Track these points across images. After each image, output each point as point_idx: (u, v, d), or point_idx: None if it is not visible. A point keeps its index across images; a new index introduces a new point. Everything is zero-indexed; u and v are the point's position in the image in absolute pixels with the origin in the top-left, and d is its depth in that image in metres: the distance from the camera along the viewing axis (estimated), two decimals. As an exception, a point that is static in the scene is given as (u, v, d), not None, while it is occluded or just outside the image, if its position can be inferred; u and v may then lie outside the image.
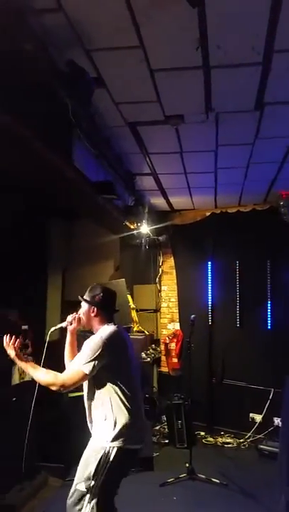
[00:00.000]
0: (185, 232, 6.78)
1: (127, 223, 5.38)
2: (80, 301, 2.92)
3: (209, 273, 6.62)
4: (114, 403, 2.61)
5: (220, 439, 5.91)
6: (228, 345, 6.31)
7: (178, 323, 6.93)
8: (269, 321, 6.14)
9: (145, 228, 5.90)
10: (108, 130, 3.77)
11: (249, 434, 5.89)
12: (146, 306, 7.09)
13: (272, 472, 4.21)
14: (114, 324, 2.83)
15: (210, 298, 6.57)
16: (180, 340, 6.67)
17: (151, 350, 6.62)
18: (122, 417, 2.59)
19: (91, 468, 2.54)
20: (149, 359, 6.37)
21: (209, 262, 6.61)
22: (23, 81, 2.41)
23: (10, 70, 2.24)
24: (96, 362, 2.55)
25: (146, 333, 6.67)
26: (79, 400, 2.85)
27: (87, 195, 3.93)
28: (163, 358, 6.90)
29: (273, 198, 5.79)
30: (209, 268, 6.62)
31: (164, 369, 6.89)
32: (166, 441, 5.81)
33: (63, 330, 3.04)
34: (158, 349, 6.91)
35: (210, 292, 6.59)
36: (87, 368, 2.54)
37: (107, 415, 2.61)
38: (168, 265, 7.11)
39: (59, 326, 2.99)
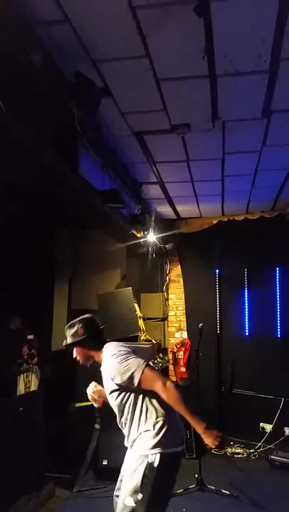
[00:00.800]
0: (192, 241, 6.75)
1: (134, 232, 5.37)
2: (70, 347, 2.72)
3: (217, 281, 6.58)
4: (148, 406, 2.49)
5: (229, 450, 5.82)
6: (237, 353, 6.25)
7: (186, 332, 6.87)
8: (278, 330, 6.08)
9: (152, 237, 5.88)
10: (114, 139, 3.78)
11: (259, 444, 5.80)
12: (154, 315, 7.05)
13: (283, 483, 4.13)
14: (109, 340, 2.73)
15: (218, 306, 6.53)
16: (188, 349, 6.62)
17: (159, 360, 6.56)
18: (159, 420, 2.46)
19: (137, 480, 2.38)
20: (157, 368, 6.31)
21: (217, 270, 6.57)
22: (31, 92, 2.43)
23: (18, 80, 2.26)
24: (132, 355, 2.49)
25: (154, 341, 6.63)
26: (85, 410, 2.80)
27: (93, 204, 3.93)
28: (171, 367, 6.85)
29: (281, 205, 5.76)
30: (217, 276, 6.58)
31: (172, 378, 6.83)
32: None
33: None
34: (166, 358, 6.84)
35: (218, 300, 6.54)
36: (137, 361, 2.45)
37: (141, 420, 2.48)
38: (175, 273, 7.08)
39: (96, 405, 2.87)
